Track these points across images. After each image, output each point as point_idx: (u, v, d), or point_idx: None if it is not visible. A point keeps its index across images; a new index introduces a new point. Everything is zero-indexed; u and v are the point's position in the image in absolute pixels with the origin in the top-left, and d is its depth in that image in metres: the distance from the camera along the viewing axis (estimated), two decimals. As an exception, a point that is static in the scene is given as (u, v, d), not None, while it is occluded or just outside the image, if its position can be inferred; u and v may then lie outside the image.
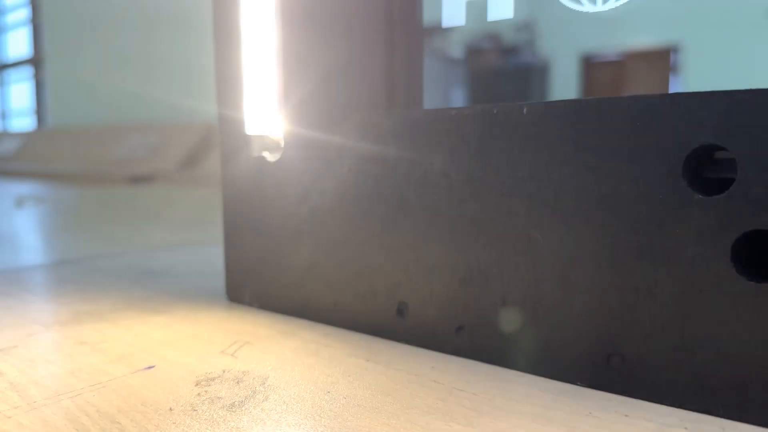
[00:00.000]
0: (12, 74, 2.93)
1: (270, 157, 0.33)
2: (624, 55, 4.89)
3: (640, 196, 0.22)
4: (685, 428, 0.20)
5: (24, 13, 2.73)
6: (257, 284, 0.35)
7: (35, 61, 2.66)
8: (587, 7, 0.25)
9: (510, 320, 0.25)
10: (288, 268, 0.33)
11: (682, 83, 4.65)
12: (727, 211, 0.20)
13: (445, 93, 5.51)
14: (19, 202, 1.00)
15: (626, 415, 0.21)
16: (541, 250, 0.24)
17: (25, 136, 2.37)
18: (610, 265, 0.22)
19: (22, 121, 2.87)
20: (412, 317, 0.28)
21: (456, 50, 4.85)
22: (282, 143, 0.33)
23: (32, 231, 0.78)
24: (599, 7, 0.25)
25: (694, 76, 4.52)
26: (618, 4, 0.25)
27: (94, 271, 0.48)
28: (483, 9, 0.29)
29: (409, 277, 0.28)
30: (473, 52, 5.61)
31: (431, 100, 0.34)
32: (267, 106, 0.33)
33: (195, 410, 0.22)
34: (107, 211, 1.05)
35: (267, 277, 0.34)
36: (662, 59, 4.68)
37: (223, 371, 0.26)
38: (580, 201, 0.23)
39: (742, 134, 0.20)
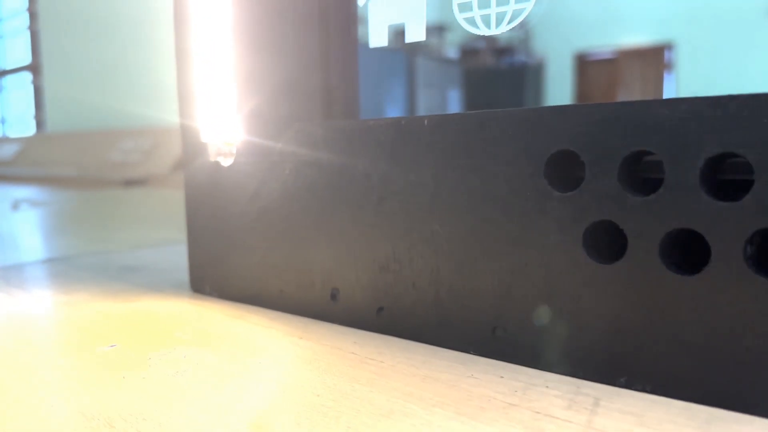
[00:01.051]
0: (11, 80, 2.98)
1: (224, 162, 0.37)
2: (618, 52, 4.92)
3: (513, 192, 0.26)
4: (547, 386, 0.24)
5: (23, 21, 2.78)
6: (216, 276, 0.39)
7: (33, 68, 2.71)
8: (483, 30, 0.30)
9: (419, 301, 0.29)
10: (241, 261, 0.37)
11: (676, 80, 4.67)
12: (579, 205, 0.24)
13: (441, 93, 5.53)
14: (15, 205, 1.04)
15: (501, 377, 0.25)
16: (441, 241, 0.28)
17: (24, 141, 2.42)
18: (493, 251, 0.27)
19: (22, 127, 2.92)
20: (342, 301, 0.33)
21: (446, 52, 4.87)
22: (234, 150, 0.37)
23: (24, 232, 0.83)
24: (493, 31, 0.30)
25: (687, 74, 4.56)
26: (509, 27, 0.29)
27: (78, 267, 0.52)
28: (402, 32, 0.33)
29: (340, 266, 0.32)
30: (467, 52, 5.63)
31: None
32: (221, 117, 0.37)
33: (144, 378, 0.26)
34: (99, 213, 1.09)
35: (224, 269, 0.39)
36: (656, 57, 4.71)
37: (174, 348, 0.30)
38: (469, 198, 0.27)
39: (592, 141, 0.24)
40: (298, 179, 0.34)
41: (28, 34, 2.70)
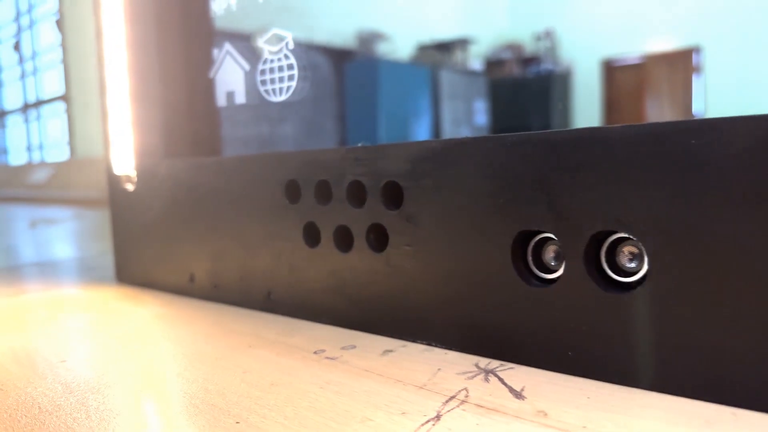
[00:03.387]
0: (48, 110, 3.29)
1: (129, 187, 0.54)
2: (646, 57, 4.95)
3: (263, 206, 0.41)
4: (317, 346, 0.39)
5: (57, 54, 3.07)
6: (129, 269, 0.55)
7: (67, 98, 2.99)
8: (273, 98, 0.45)
9: (232, 280, 0.45)
10: (142, 257, 0.53)
11: (704, 83, 4.67)
12: (301, 211, 0.39)
13: (467, 105, 5.61)
14: (33, 224, 1.24)
15: (290, 335, 0.40)
16: (241, 240, 0.44)
17: (57, 166, 2.68)
18: (259, 244, 0.42)
19: (57, 152, 3.22)
20: (197, 283, 0.48)
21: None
22: (135, 179, 0.53)
23: (28, 244, 1.02)
24: (278, 98, 0.45)
25: (715, 76, 4.55)
26: (288, 94, 0.45)
27: (49, 268, 0.69)
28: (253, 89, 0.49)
29: (196, 257, 0.48)
30: (493, 63, 5.73)
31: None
32: (125, 155, 0.53)
33: (44, 323, 0.42)
34: (104, 228, 1.28)
35: (133, 263, 0.55)
36: (684, 60, 4.72)
37: (66, 312, 0.46)
38: (239, 207, 0.42)
39: (310, 174, 0.39)
40: (171, 198, 0.50)
41: (62, 66, 2.98)
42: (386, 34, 5.09)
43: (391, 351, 0.33)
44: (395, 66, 5.11)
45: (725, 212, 0.23)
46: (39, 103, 3.37)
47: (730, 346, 0.24)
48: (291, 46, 0.42)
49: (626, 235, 0.26)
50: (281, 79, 0.43)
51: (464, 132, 5.48)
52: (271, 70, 0.44)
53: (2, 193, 2.60)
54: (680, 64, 4.71)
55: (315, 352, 0.33)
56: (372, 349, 0.34)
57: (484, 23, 5.56)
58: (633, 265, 0.27)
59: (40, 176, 2.58)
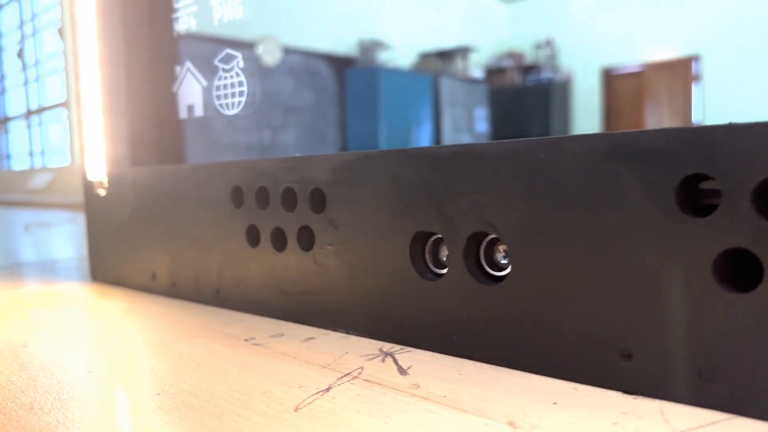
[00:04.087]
0: (49, 116, 3.36)
1: (101, 193, 0.59)
2: (645, 65, 4.98)
3: (217, 213, 0.46)
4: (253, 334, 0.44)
5: (59, 61, 3.14)
6: (102, 267, 0.60)
7: (68, 105, 3.06)
8: (227, 111, 0.50)
9: (188, 278, 0.49)
10: (112, 256, 0.58)
11: (703, 91, 4.70)
12: (246, 214, 0.44)
13: (468, 112, 5.65)
14: (26, 227, 1.29)
15: (230, 326, 0.45)
16: (197, 244, 0.48)
17: (57, 171, 2.75)
18: (218, 242, 0.46)
19: (60, 158, 3.29)
20: (158, 281, 0.53)
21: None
22: (106, 185, 0.58)
23: (19, 246, 1.07)
24: (232, 112, 0.50)
25: (714, 85, 4.58)
26: (239, 108, 0.49)
27: (34, 269, 0.74)
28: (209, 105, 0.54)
29: (158, 258, 0.53)
30: (494, 71, 5.77)
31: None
32: (98, 163, 0.58)
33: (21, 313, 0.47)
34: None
35: (105, 262, 0.60)
36: (683, 69, 4.76)
37: (40, 304, 0.51)
38: (193, 213, 0.47)
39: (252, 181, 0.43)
40: (137, 203, 0.54)
41: (63, 74, 3.05)
42: (388, 42, 5.15)
43: (312, 338, 0.38)
44: (396, 74, 5.17)
45: (566, 214, 0.28)
46: (41, 110, 3.45)
47: (574, 327, 0.28)
48: (241, 64, 0.47)
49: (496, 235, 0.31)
50: (233, 95, 0.48)
51: (465, 139, 5.53)
52: (225, 86, 0.48)
53: (4, 198, 2.67)
54: (679, 73, 4.75)
55: (246, 340, 0.38)
56: (297, 336, 0.38)
57: (485, 32, 5.62)
58: (506, 261, 0.31)
59: (40, 181, 2.65)
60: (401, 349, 0.35)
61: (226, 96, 0.49)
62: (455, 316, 0.32)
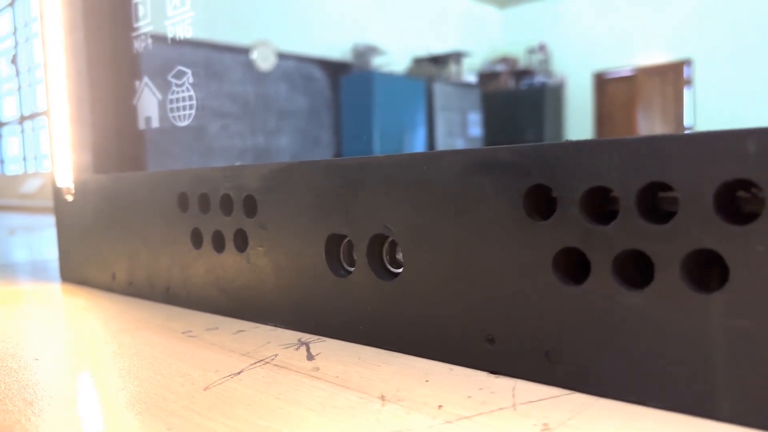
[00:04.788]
0: (43, 121, 3.41)
1: (69, 198, 0.63)
2: (637, 70, 5.03)
3: (166, 217, 0.50)
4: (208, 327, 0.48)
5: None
6: (70, 268, 0.64)
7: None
8: (179, 123, 0.54)
9: (139, 276, 0.54)
10: (78, 257, 0.62)
11: (694, 95, 4.74)
12: (192, 217, 0.48)
13: (461, 117, 5.69)
14: (11, 231, 1.34)
15: (174, 321, 0.49)
16: (149, 246, 0.52)
17: (48, 176, 2.80)
18: (167, 244, 0.51)
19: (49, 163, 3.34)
20: (118, 279, 0.57)
21: None
22: (73, 191, 0.62)
23: (1, 248, 1.11)
24: (183, 123, 0.54)
25: (705, 89, 4.63)
26: (189, 120, 0.54)
27: (8, 270, 0.78)
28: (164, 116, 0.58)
29: (119, 258, 0.57)
30: (486, 76, 5.82)
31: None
32: (65, 171, 0.63)
33: (-16, 315, 0.51)
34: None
35: (72, 263, 0.64)
36: (675, 73, 4.81)
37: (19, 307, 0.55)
38: (145, 217, 0.51)
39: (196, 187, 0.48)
40: (99, 208, 0.59)
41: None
42: (382, 47, 5.20)
43: (243, 331, 0.42)
44: (390, 78, 5.22)
45: (443, 218, 0.32)
46: (34, 116, 3.50)
47: (450, 316, 0.32)
48: (191, 80, 0.51)
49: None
50: (184, 107, 0.52)
51: (459, 143, 5.58)
52: (176, 100, 0.53)
53: (-4, 203, 2.71)
54: (671, 77, 4.80)
55: (183, 332, 0.42)
56: (229, 329, 0.42)
57: (479, 37, 5.67)
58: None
59: (31, 186, 2.69)
60: (318, 339, 0.39)
61: (178, 108, 0.53)
62: (362, 309, 0.37)
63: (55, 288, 0.62)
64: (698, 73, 4.71)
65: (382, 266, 0.36)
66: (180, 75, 0.52)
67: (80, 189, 0.61)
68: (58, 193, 0.64)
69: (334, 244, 0.38)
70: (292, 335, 0.40)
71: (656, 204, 0.26)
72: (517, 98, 5.84)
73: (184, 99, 0.52)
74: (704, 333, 0.24)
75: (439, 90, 5.59)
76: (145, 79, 0.56)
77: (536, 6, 5.63)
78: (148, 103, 0.56)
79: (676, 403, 0.25)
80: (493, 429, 0.25)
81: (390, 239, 0.36)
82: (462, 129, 5.83)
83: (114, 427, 0.27)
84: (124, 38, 0.58)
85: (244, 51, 4.89)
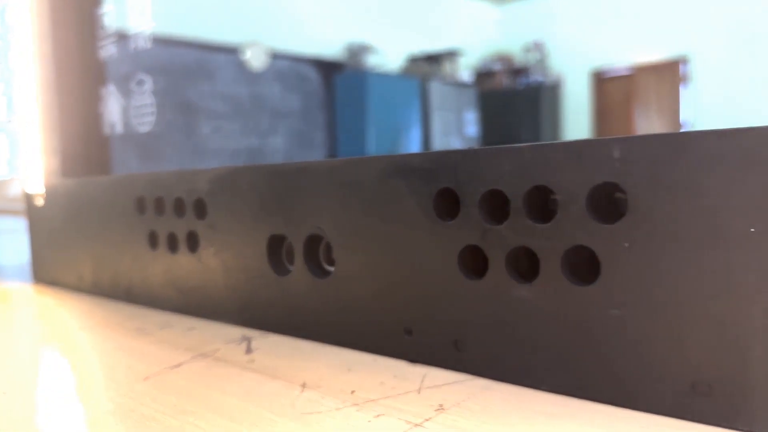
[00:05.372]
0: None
1: (40, 202, 0.66)
2: (634, 68, 5.06)
3: (124, 217, 0.53)
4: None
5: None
6: (40, 269, 0.67)
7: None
8: (140, 128, 0.57)
9: (103, 276, 0.57)
10: (47, 259, 0.65)
11: (692, 93, 4.78)
12: (147, 219, 0.51)
13: (457, 116, 5.72)
14: (-5, 235, 1.37)
15: (131, 320, 0.52)
16: (107, 247, 0.55)
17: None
18: (127, 246, 0.54)
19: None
20: (85, 280, 0.60)
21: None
22: (43, 195, 0.65)
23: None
24: (144, 129, 0.57)
25: (703, 86, 4.66)
26: (150, 126, 0.57)
27: (-12, 273, 0.81)
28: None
29: (98, 262, 0.60)
30: (483, 75, 5.85)
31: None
32: (34, 176, 0.66)
33: (-47, 315, 0.54)
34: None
35: (42, 265, 0.67)
36: (672, 71, 4.84)
37: (-17, 305, 0.58)
38: (100, 216, 0.54)
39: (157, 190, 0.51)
40: (66, 212, 0.62)
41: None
42: (376, 46, 5.22)
43: (194, 328, 0.45)
44: (385, 78, 5.24)
45: (368, 219, 0.35)
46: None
47: (373, 309, 0.35)
48: (152, 87, 0.54)
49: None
50: (144, 114, 0.55)
51: (455, 142, 5.60)
52: (138, 107, 0.56)
53: (-16, 206, 2.75)
54: (668, 75, 4.83)
55: (137, 329, 0.45)
56: (181, 326, 0.45)
57: (474, 35, 5.70)
58: (337, 259, 0.38)
59: (19, 189, 2.73)
60: (261, 334, 0.42)
61: (138, 116, 0.56)
62: (300, 306, 0.40)
63: (26, 288, 0.65)
64: (695, 71, 4.74)
65: (318, 265, 0.39)
66: (141, 83, 0.55)
67: (50, 193, 0.64)
68: (28, 197, 0.67)
69: (276, 244, 0.41)
70: (238, 331, 0.43)
71: (550, 206, 0.29)
72: (513, 97, 5.87)
73: (144, 106, 0.55)
74: (583, 321, 0.27)
75: (435, 89, 5.62)
76: (111, 88, 0.59)
77: (532, 4, 5.66)
78: (113, 110, 0.59)
79: (563, 385, 0.28)
80: (393, 410, 0.28)
81: (325, 240, 0.39)
82: (458, 128, 5.86)
83: (55, 410, 0.30)
84: (90, 48, 0.61)
85: (236, 51, 4.92)
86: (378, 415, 0.27)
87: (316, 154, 5.33)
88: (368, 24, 5.23)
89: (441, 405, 0.28)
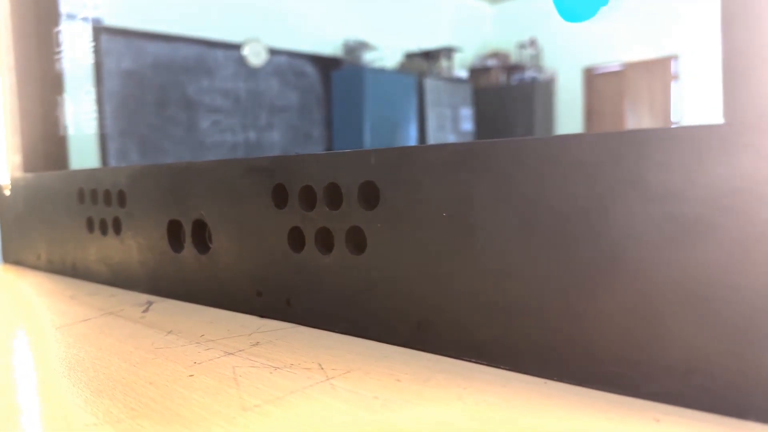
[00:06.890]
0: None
1: (7, 193, 0.76)
2: (625, 65, 5.13)
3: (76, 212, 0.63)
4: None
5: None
6: (9, 251, 0.78)
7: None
8: (87, 131, 0.67)
9: (70, 258, 0.67)
10: (14, 241, 0.76)
11: (681, 89, 4.84)
12: (93, 210, 0.61)
13: (453, 111, 5.79)
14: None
15: (113, 296, 0.62)
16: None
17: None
18: (72, 230, 0.64)
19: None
20: (42, 260, 0.70)
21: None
22: (9, 187, 0.76)
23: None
24: (91, 132, 0.67)
25: (692, 83, 4.72)
26: (94, 129, 0.67)
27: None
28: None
29: (51, 244, 0.70)
30: (477, 71, 5.93)
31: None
32: (4, 169, 0.76)
33: (-73, 287, 0.65)
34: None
35: (10, 246, 0.77)
36: (663, 68, 4.91)
37: (-46, 280, 0.69)
38: (69, 210, 0.65)
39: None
40: (27, 202, 0.72)
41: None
42: (373, 43, 5.31)
43: (114, 296, 0.55)
44: (381, 74, 5.33)
45: (233, 208, 0.45)
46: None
47: (237, 277, 0.45)
48: (93, 96, 0.64)
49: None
50: (89, 118, 0.65)
51: (450, 137, 5.68)
52: (87, 111, 0.66)
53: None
54: (659, 72, 4.90)
55: (70, 297, 0.55)
56: (106, 294, 0.56)
57: (470, 32, 5.78)
58: (218, 239, 0.49)
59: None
60: (162, 300, 0.52)
61: (87, 118, 0.66)
62: (189, 276, 0.50)
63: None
64: (685, 68, 4.81)
65: (204, 244, 0.49)
66: (90, 91, 0.65)
67: (14, 185, 0.74)
68: (-2, 188, 0.78)
69: (174, 228, 0.52)
70: (145, 297, 0.53)
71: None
72: (508, 93, 5.94)
73: (88, 112, 0.65)
74: (359, 280, 0.37)
75: (431, 85, 5.70)
76: (64, 95, 0.69)
77: (527, 1, 5.73)
78: (67, 113, 0.69)
79: (348, 327, 0.38)
80: (221, 345, 0.38)
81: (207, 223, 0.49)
82: (454, 124, 5.93)
83: (-21, 349, 0.41)
84: (48, 60, 0.71)
85: (235, 47, 5.02)
86: (208, 349, 0.37)
87: (313, 148, 5.43)
88: (365, 21, 5.32)
89: (257, 342, 0.38)
